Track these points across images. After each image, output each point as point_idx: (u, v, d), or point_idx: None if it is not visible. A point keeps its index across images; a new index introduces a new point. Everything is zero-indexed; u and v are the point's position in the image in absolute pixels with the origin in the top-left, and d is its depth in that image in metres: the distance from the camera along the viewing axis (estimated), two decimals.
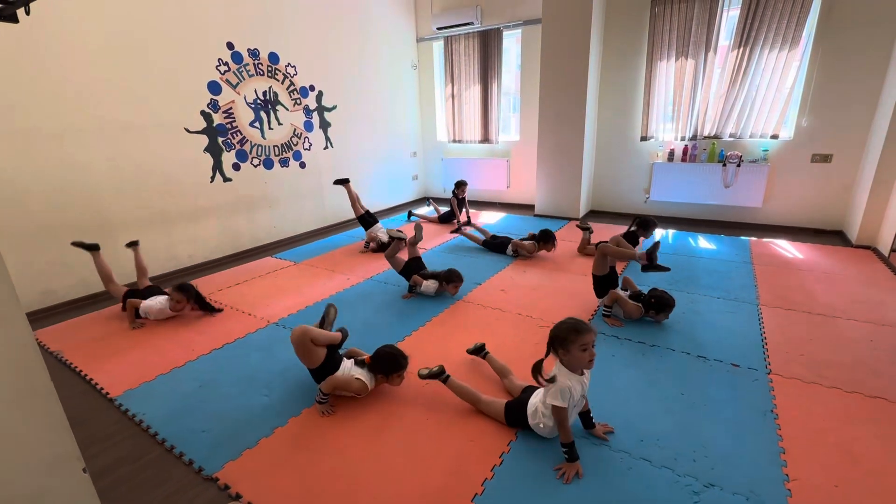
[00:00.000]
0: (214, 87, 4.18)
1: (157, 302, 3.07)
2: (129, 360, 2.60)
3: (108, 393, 2.29)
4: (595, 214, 5.92)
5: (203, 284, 3.79)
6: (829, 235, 4.69)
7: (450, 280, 3.22)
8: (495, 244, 4.42)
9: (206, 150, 4.21)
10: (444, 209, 5.81)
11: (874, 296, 3.18)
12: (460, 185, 5.41)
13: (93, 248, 3.22)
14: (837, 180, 4.61)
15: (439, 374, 2.13)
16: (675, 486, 1.61)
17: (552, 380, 1.68)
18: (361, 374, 2.10)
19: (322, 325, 2.39)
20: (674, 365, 2.39)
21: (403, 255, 3.51)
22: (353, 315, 3.08)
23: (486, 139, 6.44)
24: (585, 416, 1.87)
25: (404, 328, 2.87)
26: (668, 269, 2.96)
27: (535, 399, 1.84)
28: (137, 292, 3.19)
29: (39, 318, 3.29)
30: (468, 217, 5.52)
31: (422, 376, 2.17)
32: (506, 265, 4.01)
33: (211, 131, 4.21)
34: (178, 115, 3.94)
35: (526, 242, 4.19)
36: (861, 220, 4.23)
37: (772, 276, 3.60)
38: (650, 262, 2.86)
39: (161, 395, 2.25)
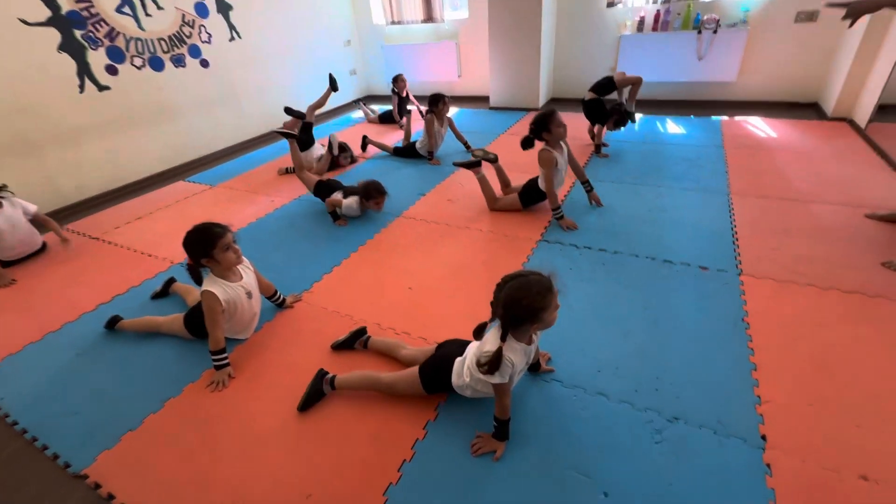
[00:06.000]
0: None
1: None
2: None
3: None
4: (557, 103, 5.31)
5: (94, 224, 3.18)
6: (804, 109, 4.32)
7: (367, 195, 2.72)
8: (406, 150, 3.87)
9: (62, 48, 3.25)
10: (384, 109, 5.07)
11: (851, 175, 2.92)
12: (397, 81, 4.65)
13: None
14: (820, 43, 4.10)
15: (358, 336, 1.78)
16: (634, 425, 1.38)
17: (494, 361, 1.22)
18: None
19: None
20: (637, 274, 2.11)
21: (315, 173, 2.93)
22: (274, 246, 2.61)
23: (429, 18, 5.44)
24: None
25: (332, 257, 2.45)
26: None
27: (465, 361, 1.41)
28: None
29: None
30: (420, 112, 4.79)
31: (334, 346, 1.79)
32: (455, 170, 3.52)
33: (60, 22, 3.22)
34: (4, 2, 2.93)
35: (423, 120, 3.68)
36: (841, 88, 3.83)
37: (744, 160, 3.27)
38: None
39: (27, 371, 1.83)
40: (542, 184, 2.57)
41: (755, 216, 2.52)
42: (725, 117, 4.24)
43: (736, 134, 3.81)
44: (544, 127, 2.43)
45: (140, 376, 1.75)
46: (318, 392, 1.56)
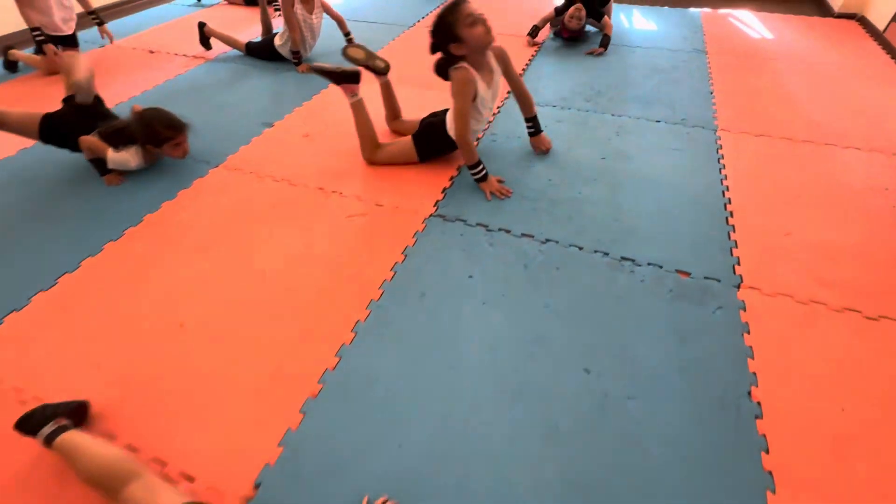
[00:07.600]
0: None
1: None
2: None
3: None
4: None
5: None
6: (802, 1, 3.37)
7: (154, 138, 1.59)
8: (261, 48, 2.59)
9: None
10: None
11: (873, 98, 2.12)
12: None
13: None
14: None
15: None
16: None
17: None
18: None
19: None
20: (580, 288, 1.25)
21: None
22: None
23: None
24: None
25: (62, 257, 1.38)
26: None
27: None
28: None
29: None
30: None
31: None
32: (325, 84, 2.33)
33: None
34: None
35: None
36: None
37: (733, 73, 2.37)
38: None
39: None
40: (451, 124, 1.56)
41: (754, 169, 1.69)
42: (707, 9, 3.22)
43: (721, 34, 2.85)
44: (447, 29, 1.35)
45: None
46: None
